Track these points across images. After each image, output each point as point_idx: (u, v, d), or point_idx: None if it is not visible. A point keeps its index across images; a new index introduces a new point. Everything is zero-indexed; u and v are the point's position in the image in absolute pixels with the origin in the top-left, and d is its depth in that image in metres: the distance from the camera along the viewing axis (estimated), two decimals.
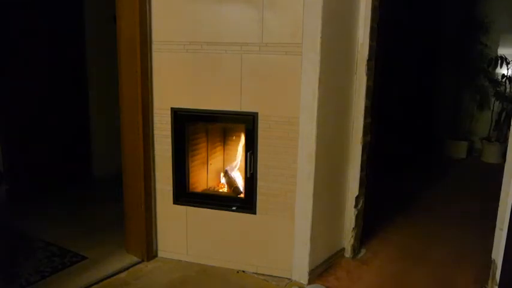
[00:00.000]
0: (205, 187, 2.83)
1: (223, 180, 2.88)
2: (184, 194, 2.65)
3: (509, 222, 2.08)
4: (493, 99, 5.77)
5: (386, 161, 4.50)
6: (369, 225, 3.07)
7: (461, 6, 5.90)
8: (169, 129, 2.57)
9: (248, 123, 2.45)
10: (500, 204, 2.21)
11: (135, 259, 2.68)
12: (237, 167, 2.82)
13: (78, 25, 4.05)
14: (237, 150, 2.82)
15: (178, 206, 2.65)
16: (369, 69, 2.63)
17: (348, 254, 2.81)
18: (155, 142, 2.62)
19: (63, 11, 3.90)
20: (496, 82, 5.67)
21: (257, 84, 2.38)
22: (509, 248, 2.08)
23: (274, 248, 2.52)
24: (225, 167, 2.90)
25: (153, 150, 2.62)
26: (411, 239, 3.17)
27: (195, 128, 2.69)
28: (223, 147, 2.93)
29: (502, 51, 5.66)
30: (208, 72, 2.46)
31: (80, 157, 4.21)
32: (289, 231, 2.47)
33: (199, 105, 2.51)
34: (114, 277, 2.49)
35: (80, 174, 4.22)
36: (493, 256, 2.25)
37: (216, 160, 2.89)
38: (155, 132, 2.61)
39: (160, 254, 2.75)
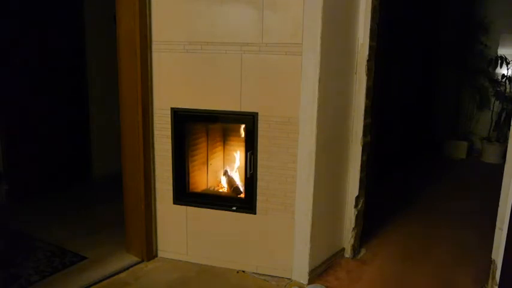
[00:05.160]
0: (205, 187, 2.83)
1: (223, 180, 2.88)
2: (184, 194, 2.65)
3: (509, 222, 2.07)
4: (493, 99, 5.77)
5: (387, 161, 4.50)
6: (369, 225, 3.07)
7: (461, 7, 5.90)
8: (169, 129, 2.57)
9: (248, 123, 2.45)
10: (500, 204, 2.21)
11: (135, 259, 2.68)
12: (237, 167, 2.83)
13: (78, 25, 4.05)
14: (236, 150, 2.82)
15: (178, 206, 2.66)
16: (368, 69, 2.63)
17: (347, 254, 2.81)
18: (155, 142, 2.62)
19: (63, 11, 3.90)
20: (496, 82, 5.67)
21: (257, 84, 2.38)
22: (509, 248, 2.08)
23: (274, 248, 2.52)
24: (225, 167, 2.90)
25: (153, 150, 2.62)
26: (411, 239, 3.17)
27: (195, 128, 2.69)
28: (223, 147, 2.93)
29: (502, 51, 5.65)
30: (208, 72, 2.46)
31: (80, 157, 4.21)
32: (289, 231, 2.47)
33: (199, 105, 2.51)
34: (114, 277, 2.49)
35: (80, 174, 4.22)
36: (493, 256, 2.25)
37: (216, 160, 2.89)
38: (155, 132, 2.61)
39: (160, 254, 2.75)
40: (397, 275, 2.64)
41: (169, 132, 2.58)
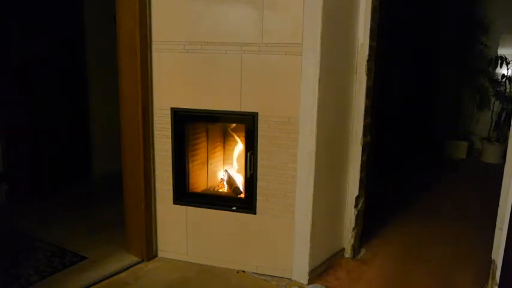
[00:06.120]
0: (205, 187, 2.83)
1: (223, 179, 2.88)
2: (184, 194, 2.65)
3: (509, 222, 2.08)
4: (493, 99, 5.77)
5: (387, 161, 4.50)
6: (369, 225, 3.07)
7: (461, 7, 5.90)
8: (169, 129, 2.57)
9: (248, 123, 2.45)
10: (500, 204, 2.21)
11: (135, 259, 2.68)
12: (236, 167, 2.83)
13: (78, 25, 4.05)
14: (236, 150, 2.82)
15: (178, 206, 2.65)
16: (368, 69, 2.63)
17: (347, 254, 2.81)
18: (155, 142, 2.62)
19: (63, 11, 3.90)
20: (496, 82, 5.67)
21: (257, 84, 2.38)
22: (509, 248, 2.08)
23: (274, 248, 2.52)
24: (225, 166, 2.90)
25: (153, 150, 2.62)
26: (411, 238, 3.17)
27: (195, 128, 2.69)
28: (223, 147, 2.93)
29: (502, 51, 5.65)
30: (208, 72, 2.46)
31: (80, 157, 4.21)
32: (289, 231, 2.47)
33: (199, 105, 2.51)
34: (114, 277, 2.49)
35: (80, 174, 4.22)
36: (493, 256, 2.25)
37: (216, 160, 2.89)
38: (155, 132, 2.61)
39: (160, 254, 2.75)
40: (397, 275, 2.64)
41: (169, 132, 2.58)
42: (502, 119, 5.57)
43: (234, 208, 2.56)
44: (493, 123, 5.72)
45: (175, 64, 2.51)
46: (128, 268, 2.59)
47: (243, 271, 2.58)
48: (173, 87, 2.54)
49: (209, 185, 2.86)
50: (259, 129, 2.41)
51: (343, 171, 2.71)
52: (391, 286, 2.52)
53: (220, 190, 2.85)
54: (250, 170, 2.47)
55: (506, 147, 2.21)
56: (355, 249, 2.84)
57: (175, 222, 2.68)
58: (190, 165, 2.67)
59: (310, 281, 2.47)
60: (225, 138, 2.91)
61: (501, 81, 5.62)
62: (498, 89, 5.68)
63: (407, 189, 4.44)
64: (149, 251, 2.69)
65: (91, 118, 4.28)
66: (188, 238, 2.67)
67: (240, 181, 2.77)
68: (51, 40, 3.80)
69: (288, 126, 2.37)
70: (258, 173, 2.46)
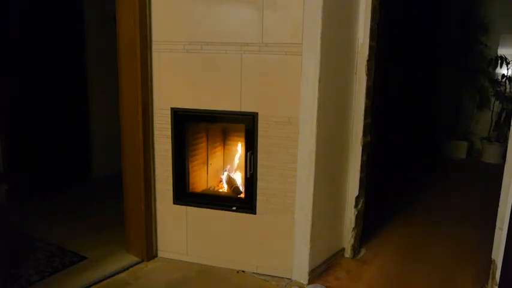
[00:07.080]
0: (205, 187, 2.83)
1: (223, 180, 2.88)
2: (184, 194, 2.65)
3: (509, 222, 2.08)
4: (493, 99, 5.77)
5: (387, 161, 4.50)
6: (369, 225, 3.07)
7: (461, 7, 5.90)
8: (169, 129, 2.57)
9: (248, 123, 2.45)
10: (500, 204, 2.21)
11: (135, 259, 2.68)
12: (236, 167, 2.83)
13: (78, 25, 4.05)
14: (236, 150, 2.82)
15: (178, 206, 2.66)
16: (368, 69, 2.63)
17: (347, 254, 2.81)
18: (155, 142, 2.62)
19: (63, 11, 3.90)
20: (496, 82, 5.67)
21: (257, 84, 2.38)
22: (509, 248, 2.08)
23: (274, 248, 2.52)
24: (225, 166, 2.90)
25: (153, 150, 2.63)
26: (411, 238, 3.17)
27: (195, 128, 2.69)
28: (223, 147, 2.93)
29: (502, 51, 5.66)
30: (208, 72, 2.46)
31: (80, 157, 4.21)
32: (289, 231, 2.47)
33: (199, 105, 2.51)
34: (114, 277, 2.49)
35: (80, 174, 4.22)
36: (493, 256, 2.25)
37: (216, 160, 2.89)
38: (155, 132, 2.61)
39: (160, 254, 2.75)
40: (397, 275, 2.64)
41: (169, 132, 2.58)
42: (502, 119, 5.57)
43: (234, 208, 2.56)
44: (493, 123, 5.72)
45: (175, 64, 2.51)
46: (128, 268, 2.59)
47: (243, 271, 2.58)
48: (173, 87, 2.54)
49: (209, 185, 2.86)
50: (259, 129, 2.41)
51: (343, 171, 2.72)
52: (391, 286, 2.52)
53: (220, 190, 2.85)
54: (250, 170, 2.47)
55: (506, 147, 2.21)
56: (355, 249, 2.84)
57: (175, 222, 2.68)
58: (190, 165, 2.67)
59: (310, 281, 2.47)
60: (225, 138, 2.91)
61: (501, 81, 5.62)
62: (498, 89, 5.68)
63: (407, 189, 4.44)
64: (149, 251, 2.69)
65: (91, 118, 4.28)
66: (188, 238, 2.67)
67: (239, 181, 2.77)
68: (51, 40, 3.80)
69: (288, 126, 2.37)
70: (258, 173, 2.46)
